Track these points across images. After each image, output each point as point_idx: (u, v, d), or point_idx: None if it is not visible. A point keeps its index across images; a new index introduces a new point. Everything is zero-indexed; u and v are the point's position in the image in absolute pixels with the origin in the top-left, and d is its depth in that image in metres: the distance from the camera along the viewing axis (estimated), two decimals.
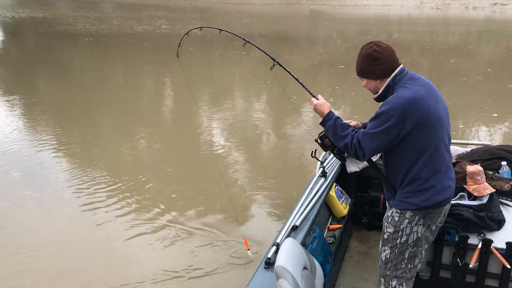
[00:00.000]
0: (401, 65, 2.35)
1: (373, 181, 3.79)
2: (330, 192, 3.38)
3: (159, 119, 7.70)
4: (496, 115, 7.53)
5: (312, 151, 2.73)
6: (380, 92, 2.37)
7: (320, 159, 3.43)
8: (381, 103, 2.31)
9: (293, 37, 17.62)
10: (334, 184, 3.47)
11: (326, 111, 2.51)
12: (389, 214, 2.42)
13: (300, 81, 2.83)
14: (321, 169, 3.32)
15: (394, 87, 2.30)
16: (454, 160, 3.26)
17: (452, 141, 2.55)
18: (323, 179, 3.24)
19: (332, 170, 3.41)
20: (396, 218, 2.37)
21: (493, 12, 23.45)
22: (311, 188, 3.09)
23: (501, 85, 9.59)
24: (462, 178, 3.02)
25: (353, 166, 3.31)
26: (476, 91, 9.33)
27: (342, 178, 3.65)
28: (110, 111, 8.01)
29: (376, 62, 2.33)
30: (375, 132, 2.24)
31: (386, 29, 19.28)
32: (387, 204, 2.50)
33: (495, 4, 24.93)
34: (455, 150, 3.49)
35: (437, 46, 14.82)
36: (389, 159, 2.38)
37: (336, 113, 2.60)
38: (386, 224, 2.44)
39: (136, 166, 5.56)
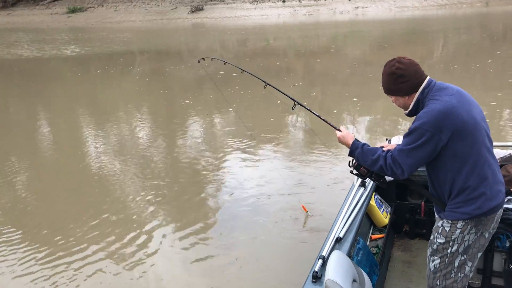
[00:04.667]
0: (428, 77, 2.31)
1: (413, 188, 3.67)
2: (370, 202, 3.31)
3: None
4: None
5: (350, 161, 2.61)
6: (410, 107, 2.33)
7: (354, 170, 3.48)
8: (414, 117, 2.29)
9: (176, 51, 17.91)
10: (374, 193, 3.38)
11: (350, 141, 2.51)
12: (439, 224, 2.34)
13: (323, 118, 2.82)
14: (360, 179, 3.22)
15: (424, 101, 2.26)
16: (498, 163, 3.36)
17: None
18: (362, 188, 3.16)
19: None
20: (447, 229, 2.29)
21: (356, 15, 25.85)
22: (352, 198, 3.02)
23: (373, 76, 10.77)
24: (508, 181, 2.88)
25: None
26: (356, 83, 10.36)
27: (381, 186, 3.76)
28: None
29: (401, 80, 2.29)
30: (411, 148, 2.20)
31: (264, 37, 20.37)
32: (436, 216, 2.41)
33: (357, 7, 27.47)
34: (497, 153, 3.24)
35: (309, 49, 16.06)
36: (432, 173, 2.33)
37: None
38: (436, 234, 2.35)
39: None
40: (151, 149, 7.02)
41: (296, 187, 5.28)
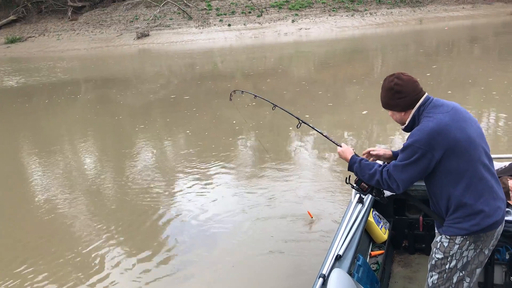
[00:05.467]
0: (426, 94, 2.35)
1: (410, 203, 3.66)
2: (369, 218, 3.30)
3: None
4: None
5: (347, 178, 2.65)
6: (407, 123, 2.38)
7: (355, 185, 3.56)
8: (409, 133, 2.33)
9: (123, 77, 17.73)
10: (371, 209, 3.37)
11: (349, 156, 2.56)
12: (437, 239, 2.35)
13: (325, 134, 2.91)
14: (358, 195, 3.20)
15: (420, 117, 2.30)
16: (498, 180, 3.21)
17: None
18: (360, 205, 3.15)
19: (368, 196, 3.23)
20: (446, 244, 2.30)
21: (300, 36, 26.69)
22: (350, 215, 3.00)
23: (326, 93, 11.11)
24: (505, 193, 2.88)
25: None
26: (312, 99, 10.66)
27: (379, 202, 3.49)
28: None
29: (398, 95, 2.33)
30: (405, 164, 2.24)
31: (212, 60, 20.58)
32: (436, 231, 2.42)
33: (300, 29, 28.40)
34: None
35: (257, 70, 16.39)
36: (429, 188, 2.35)
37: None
38: (434, 249, 2.37)
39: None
40: (101, 178, 6.90)
41: (254, 207, 5.38)
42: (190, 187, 6.10)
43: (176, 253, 4.50)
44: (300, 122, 3.08)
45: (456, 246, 2.26)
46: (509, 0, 32.83)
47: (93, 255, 4.55)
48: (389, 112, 2.46)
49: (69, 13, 35.11)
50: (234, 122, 9.24)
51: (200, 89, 13.59)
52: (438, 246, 2.33)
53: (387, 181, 2.33)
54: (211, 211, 5.30)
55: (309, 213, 4.90)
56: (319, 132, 2.98)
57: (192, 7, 32.42)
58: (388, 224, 3.57)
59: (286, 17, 30.58)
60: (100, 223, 5.26)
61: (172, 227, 5.06)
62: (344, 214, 3.06)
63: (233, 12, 31.64)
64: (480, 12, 31.18)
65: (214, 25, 30.54)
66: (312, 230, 4.70)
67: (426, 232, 3.53)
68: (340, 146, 2.66)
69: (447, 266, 2.31)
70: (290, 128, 8.38)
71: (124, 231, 5.06)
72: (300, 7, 31.43)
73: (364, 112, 8.92)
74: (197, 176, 6.45)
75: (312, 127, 3.08)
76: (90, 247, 4.71)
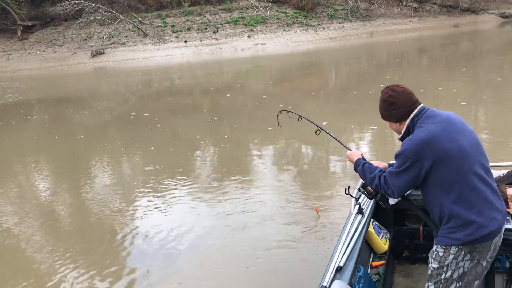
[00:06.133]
0: (421, 105, 2.40)
1: (410, 212, 3.67)
2: (369, 229, 3.29)
3: None
4: None
5: (346, 188, 2.74)
6: (402, 133, 2.45)
7: (354, 195, 3.39)
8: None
9: (80, 96, 17.39)
10: (372, 219, 3.37)
11: (355, 158, 2.70)
12: (434, 249, 2.37)
13: (338, 139, 3.16)
14: (357, 206, 3.21)
15: (414, 128, 2.36)
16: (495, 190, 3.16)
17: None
18: (360, 216, 3.14)
19: (368, 206, 3.30)
20: (441, 254, 2.30)
21: (256, 51, 27.10)
22: (350, 226, 3.00)
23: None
24: (504, 201, 2.83)
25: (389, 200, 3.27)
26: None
27: (378, 213, 3.56)
28: None
29: (392, 107, 2.42)
30: (398, 171, 2.32)
31: (169, 76, 20.53)
32: (434, 240, 2.42)
33: (257, 44, 28.85)
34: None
35: (215, 85, 16.51)
36: (424, 196, 2.38)
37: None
38: (431, 259, 2.38)
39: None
40: (58, 201, 6.76)
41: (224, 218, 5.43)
42: (152, 204, 6.07)
43: (138, 276, 4.45)
44: (319, 129, 3.36)
45: (451, 256, 2.26)
46: (452, 14, 34.67)
47: (49, 279, 4.46)
48: (387, 123, 2.55)
49: (19, 32, 34.11)
50: (198, 137, 9.30)
51: (159, 106, 13.55)
52: (434, 256, 2.35)
53: (383, 186, 2.43)
54: (176, 229, 5.26)
55: (316, 209, 5.16)
56: (333, 137, 3.24)
57: (147, 24, 32.28)
58: (388, 234, 3.56)
59: (242, 33, 30.99)
60: (57, 246, 5.14)
61: (134, 247, 5.00)
62: (344, 225, 3.05)
63: (189, 29, 31.74)
64: (426, 25, 32.75)
65: (171, 41, 30.52)
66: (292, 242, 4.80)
67: (426, 241, 3.54)
68: (350, 150, 2.82)
69: (442, 276, 2.31)
70: (250, 144, 8.52)
71: (83, 252, 4.97)
72: (255, 23, 31.95)
73: (324, 123, 9.18)
74: (160, 193, 6.45)
75: (329, 134, 3.32)
76: (46, 270, 4.61)
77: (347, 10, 33.71)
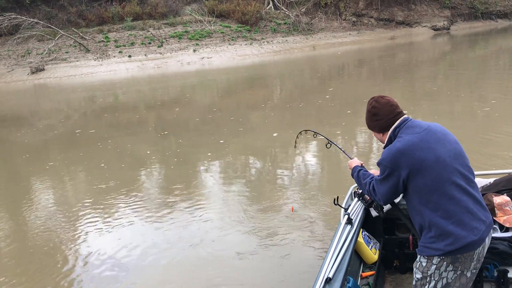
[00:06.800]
0: (403, 117, 2.46)
1: (400, 222, 3.65)
2: (358, 239, 3.25)
3: None
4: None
5: (335, 199, 2.79)
6: (385, 143, 2.51)
7: (343, 205, 3.41)
8: None
9: (18, 115, 16.66)
10: (361, 229, 3.33)
11: (353, 165, 2.83)
12: (417, 259, 2.37)
13: (342, 149, 3.30)
14: (346, 216, 3.18)
15: (395, 138, 2.41)
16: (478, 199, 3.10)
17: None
18: (349, 226, 3.11)
19: (357, 216, 3.27)
20: (424, 264, 2.31)
21: (203, 65, 27.17)
22: (339, 236, 2.96)
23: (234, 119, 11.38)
24: (490, 210, 2.85)
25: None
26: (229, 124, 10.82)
27: (368, 222, 3.53)
28: None
29: (375, 118, 2.50)
30: (380, 179, 2.41)
31: (113, 92, 20.12)
32: (417, 249, 2.42)
33: (203, 58, 28.92)
34: (478, 182, 3.15)
35: (161, 100, 16.38)
36: (407, 206, 2.42)
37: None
38: (415, 269, 2.39)
39: None
40: None
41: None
42: (103, 224, 5.93)
43: None
44: (329, 142, 3.46)
45: (434, 267, 2.26)
46: (388, 27, 36.44)
47: None
48: (372, 132, 2.63)
49: None
50: (148, 152, 9.20)
51: (105, 122, 13.26)
52: (417, 266, 2.36)
53: (372, 192, 2.54)
54: (128, 249, 5.13)
55: (292, 208, 5.31)
56: (339, 148, 3.36)
57: (88, 40, 31.49)
58: (378, 244, 3.53)
59: (187, 47, 30.95)
60: None
61: (80, 271, 4.83)
62: (333, 236, 3.03)
63: (132, 43, 31.29)
64: (365, 38, 34.19)
65: (114, 56, 29.92)
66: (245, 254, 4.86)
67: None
68: (351, 159, 2.95)
69: (426, 287, 2.31)
70: (203, 157, 8.55)
71: (25, 281, 4.80)
72: (200, 37, 32.02)
73: (275, 135, 9.39)
74: (111, 211, 6.32)
75: (337, 146, 3.44)
76: None
77: (289, 24, 34.57)
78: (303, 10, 35.85)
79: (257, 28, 34.06)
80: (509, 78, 14.69)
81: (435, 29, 36.45)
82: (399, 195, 2.43)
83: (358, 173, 2.73)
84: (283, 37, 33.55)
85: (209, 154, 8.57)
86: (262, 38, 32.97)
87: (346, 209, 3.34)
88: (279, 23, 34.80)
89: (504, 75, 15.29)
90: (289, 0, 36.36)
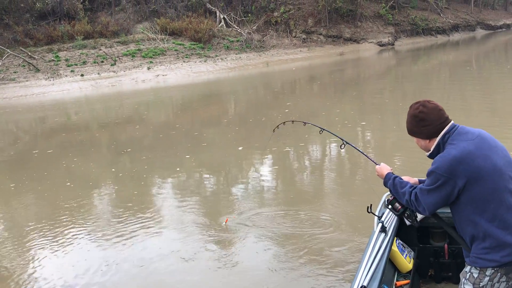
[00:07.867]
0: (451, 122, 2.33)
1: (434, 230, 3.57)
2: (392, 247, 3.19)
3: None
4: None
5: (368, 207, 2.72)
6: (431, 150, 2.37)
7: (377, 214, 3.35)
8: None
9: None
10: (395, 238, 3.28)
11: (385, 173, 2.62)
12: (467, 269, 2.27)
13: (365, 154, 3.19)
14: (380, 224, 3.15)
15: (445, 145, 2.29)
16: None
17: None
18: (383, 234, 3.07)
19: (391, 224, 3.22)
20: (475, 275, 2.21)
21: (158, 82, 27.17)
22: (373, 245, 2.93)
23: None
24: None
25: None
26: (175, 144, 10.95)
27: (402, 231, 3.47)
28: None
29: (422, 123, 2.33)
30: (429, 189, 2.26)
31: (66, 112, 19.77)
32: (466, 260, 2.32)
33: (158, 75, 28.94)
34: None
35: (116, 118, 16.31)
36: (454, 215, 2.32)
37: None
38: (463, 280, 2.28)
39: None
40: None
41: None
42: (49, 248, 5.69)
43: None
44: (344, 142, 3.32)
45: (487, 278, 2.18)
46: (336, 43, 37.87)
47: None
48: (414, 139, 2.48)
49: None
50: (113, 170, 9.22)
51: (49, 145, 13.00)
52: (467, 277, 2.26)
53: (414, 203, 2.38)
54: (72, 272, 4.98)
55: (227, 220, 5.41)
56: (360, 152, 3.26)
57: (38, 59, 30.71)
58: (412, 253, 3.48)
59: (141, 65, 30.82)
60: None
61: None
62: (367, 244, 3.00)
63: (84, 62, 30.81)
64: (316, 54, 35.36)
65: (66, 76, 29.32)
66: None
67: (452, 260, 3.48)
68: (378, 165, 2.74)
69: None
70: (166, 175, 8.70)
71: None
72: (153, 55, 32.00)
73: (240, 148, 9.68)
74: (61, 234, 6.21)
75: (354, 147, 3.32)
76: None
77: (242, 41, 35.22)
78: (255, 27, 36.68)
79: (210, 45, 34.46)
80: (450, 88, 15.88)
81: (380, 44, 38.23)
82: (447, 205, 2.33)
83: (394, 181, 2.57)
84: (236, 54, 34.10)
85: (178, 168, 8.70)
86: (216, 55, 33.37)
87: (380, 217, 3.31)
88: (232, 41, 35.38)
89: (446, 85, 16.53)
90: (240, 18, 37.14)
